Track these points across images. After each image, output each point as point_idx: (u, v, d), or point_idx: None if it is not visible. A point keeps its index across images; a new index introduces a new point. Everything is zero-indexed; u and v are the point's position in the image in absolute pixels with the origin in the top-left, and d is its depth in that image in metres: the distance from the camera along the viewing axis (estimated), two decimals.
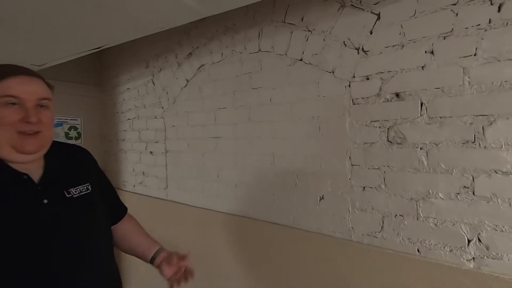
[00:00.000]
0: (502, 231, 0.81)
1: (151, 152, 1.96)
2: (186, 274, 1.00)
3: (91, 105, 2.40)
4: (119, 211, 1.06)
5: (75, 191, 0.85)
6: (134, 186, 2.10)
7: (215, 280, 1.53)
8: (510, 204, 0.80)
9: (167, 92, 1.81)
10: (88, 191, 0.88)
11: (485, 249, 0.84)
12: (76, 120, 2.30)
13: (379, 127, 1.01)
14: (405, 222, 0.96)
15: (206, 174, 1.59)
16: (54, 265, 0.75)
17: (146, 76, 1.97)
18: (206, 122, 1.58)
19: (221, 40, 1.47)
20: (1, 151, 0.74)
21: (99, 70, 2.45)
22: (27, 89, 0.75)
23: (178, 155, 1.77)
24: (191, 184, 1.68)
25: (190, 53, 1.64)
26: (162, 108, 1.85)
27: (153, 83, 1.92)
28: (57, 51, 1.62)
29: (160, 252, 1.01)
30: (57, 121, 2.18)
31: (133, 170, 2.12)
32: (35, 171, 0.80)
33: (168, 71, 1.80)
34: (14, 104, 0.74)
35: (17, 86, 0.74)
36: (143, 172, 2.03)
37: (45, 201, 0.78)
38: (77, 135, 2.32)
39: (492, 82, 0.81)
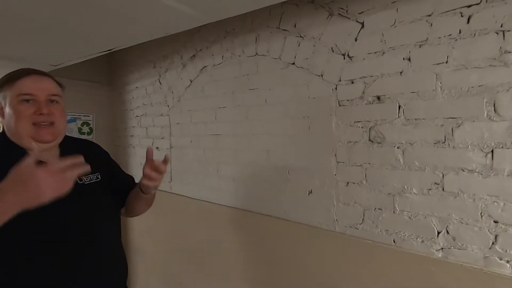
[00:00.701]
0: (467, 224, 0.89)
1: (157, 148, 2.08)
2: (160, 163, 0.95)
3: (102, 102, 2.54)
4: (132, 183, 1.16)
5: (86, 179, 0.97)
6: None
7: (214, 266, 1.65)
8: (474, 200, 0.87)
9: (172, 91, 1.93)
10: (98, 180, 0.99)
11: (452, 240, 0.91)
12: (89, 116, 2.45)
13: (361, 127, 1.09)
14: (383, 215, 1.05)
15: (207, 168, 1.70)
16: (71, 236, 0.87)
17: (153, 76, 2.09)
18: (208, 120, 1.68)
19: (221, 43, 1.57)
20: (22, 141, 0.87)
21: (110, 70, 2.58)
22: (38, 86, 0.87)
23: (181, 150, 1.88)
24: (193, 178, 1.80)
25: (194, 55, 1.75)
26: (168, 106, 1.97)
27: (160, 83, 2.03)
28: (72, 52, 1.75)
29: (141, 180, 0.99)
30: (71, 117, 2.33)
31: (141, 164, 2.25)
32: (52, 160, 0.92)
33: (173, 71, 1.91)
34: (28, 100, 0.85)
35: (29, 85, 0.86)
36: None
37: None
38: (89, 130, 2.46)
39: (461, 88, 0.89)
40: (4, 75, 0.91)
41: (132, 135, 2.35)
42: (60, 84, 0.95)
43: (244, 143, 1.50)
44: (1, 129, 0.95)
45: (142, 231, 2.22)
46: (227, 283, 1.58)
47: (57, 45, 1.61)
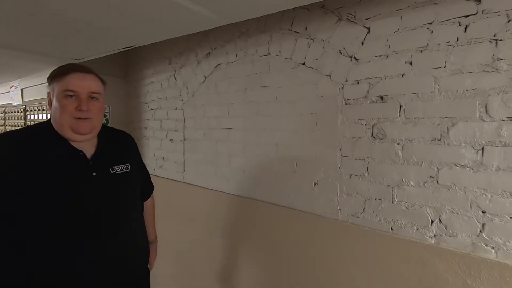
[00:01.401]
0: (457, 213, 0.98)
1: (170, 140, 2.20)
2: None
3: (118, 95, 2.66)
4: (148, 192, 1.30)
5: (118, 169, 1.07)
6: (154, 169, 2.36)
7: (223, 251, 1.77)
8: (465, 192, 0.97)
9: (187, 87, 2.04)
10: (128, 170, 1.10)
11: (444, 228, 1.01)
12: (106, 108, 2.57)
13: (365, 124, 1.19)
14: (383, 205, 1.15)
15: (219, 160, 1.81)
16: (102, 218, 0.98)
17: (168, 71, 2.20)
18: (220, 115, 1.79)
19: (236, 43, 1.67)
20: (64, 131, 0.97)
21: (126, 65, 2.69)
22: (81, 84, 0.97)
23: (194, 142, 1.99)
24: (205, 168, 1.91)
25: (209, 53, 1.85)
26: (182, 100, 2.08)
27: (175, 78, 2.14)
28: (95, 48, 1.86)
29: (151, 244, 1.28)
30: None
31: (154, 155, 2.37)
32: (89, 150, 1.03)
33: (188, 68, 2.01)
34: (71, 96, 0.96)
35: (74, 82, 0.97)
36: (163, 157, 2.28)
37: (94, 173, 1.00)
38: (105, 122, 2.58)
39: (457, 90, 0.98)
40: (46, 68, 1.03)
41: (146, 127, 2.47)
42: (102, 81, 1.06)
43: (254, 137, 1.60)
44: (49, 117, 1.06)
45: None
46: (236, 266, 1.70)
47: (81, 41, 1.72)
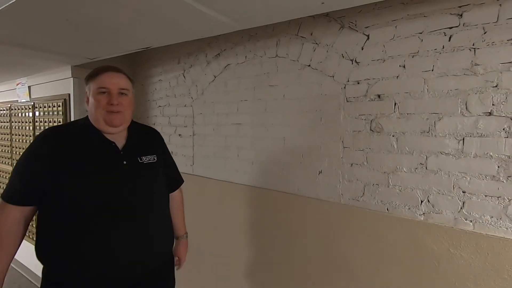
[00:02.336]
0: (442, 194, 1.17)
1: (179, 135, 2.34)
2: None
3: None
4: (175, 184, 1.43)
5: (145, 159, 1.21)
6: None
7: (233, 236, 1.93)
8: (449, 176, 1.15)
9: (196, 85, 2.18)
10: (154, 161, 1.24)
11: (431, 207, 1.20)
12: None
13: (364, 119, 1.36)
14: (379, 189, 1.33)
15: (228, 153, 1.96)
16: (130, 203, 1.11)
17: (177, 70, 2.33)
18: (230, 111, 1.94)
19: (245, 45, 1.82)
20: (99, 124, 1.12)
21: (134, 63, 2.80)
22: (112, 82, 1.12)
23: (204, 137, 2.14)
24: (215, 161, 2.06)
25: (218, 54, 2.00)
26: (191, 98, 2.22)
27: (184, 77, 2.28)
28: (111, 48, 1.97)
29: (181, 239, 1.47)
30: None
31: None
32: (120, 141, 1.17)
33: (198, 67, 2.15)
34: (104, 92, 1.10)
35: (106, 80, 1.11)
36: (172, 152, 2.41)
37: (124, 162, 1.14)
38: None
39: (442, 90, 1.16)
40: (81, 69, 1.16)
41: (154, 123, 2.60)
42: (130, 79, 1.20)
43: (263, 131, 1.76)
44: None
45: None
46: (244, 250, 1.86)
47: (98, 42, 1.82)
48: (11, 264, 1.08)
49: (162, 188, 1.30)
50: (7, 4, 1.19)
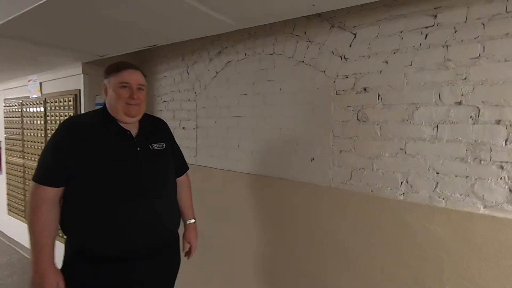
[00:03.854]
0: (419, 175, 1.31)
1: (184, 128, 2.49)
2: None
3: None
4: (181, 169, 1.57)
5: (156, 146, 1.36)
6: None
7: (234, 220, 2.08)
8: (425, 159, 1.30)
9: (199, 81, 2.32)
10: (163, 148, 1.38)
11: (410, 187, 1.34)
12: None
13: (352, 110, 1.50)
14: (365, 173, 1.47)
15: (229, 144, 2.11)
16: (143, 184, 1.25)
17: (181, 67, 2.48)
18: (231, 105, 2.09)
19: (245, 43, 1.97)
20: (117, 114, 1.26)
21: (140, 60, 2.95)
22: (132, 78, 1.27)
23: (207, 130, 2.29)
24: (217, 152, 2.21)
25: (220, 51, 2.14)
26: (195, 93, 2.37)
27: (188, 73, 2.43)
28: (120, 46, 2.12)
29: (190, 224, 1.58)
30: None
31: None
32: (134, 130, 1.32)
33: (201, 64, 2.30)
34: (125, 86, 1.25)
35: (128, 76, 1.26)
36: None
37: (138, 148, 1.29)
38: None
39: (419, 83, 1.30)
40: (106, 64, 1.31)
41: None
42: (145, 76, 1.34)
43: (261, 123, 1.91)
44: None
45: None
46: (246, 232, 2.01)
47: (109, 40, 1.97)
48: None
49: (170, 172, 1.44)
50: (33, 6, 1.34)
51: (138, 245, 1.24)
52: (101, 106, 1.32)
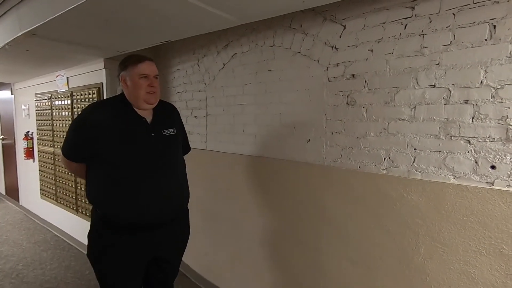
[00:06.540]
0: (399, 152, 1.47)
1: (195, 116, 2.72)
2: None
3: None
4: (185, 150, 1.76)
5: (168, 131, 1.56)
6: None
7: (240, 199, 2.30)
8: (404, 137, 1.45)
9: (208, 72, 2.53)
10: (174, 133, 1.58)
11: (391, 162, 1.50)
12: None
13: (342, 95, 1.67)
14: (353, 151, 1.64)
15: (235, 129, 2.32)
16: (157, 164, 1.46)
17: (192, 60, 2.70)
18: (236, 94, 2.29)
19: (248, 37, 2.15)
20: (137, 102, 1.47)
21: (155, 55, 3.19)
22: (150, 69, 1.48)
23: (215, 117, 2.50)
24: (225, 137, 2.42)
25: (227, 45, 2.34)
26: (205, 84, 2.58)
27: (198, 66, 2.64)
28: (138, 43, 2.36)
29: None
30: None
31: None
32: (148, 117, 1.53)
33: (210, 57, 2.51)
34: (144, 77, 1.46)
35: (146, 67, 1.46)
36: (189, 131, 2.78)
37: (153, 134, 1.50)
38: None
39: (399, 69, 1.45)
40: (123, 57, 1.52)
41: None
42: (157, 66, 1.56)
43: (263, 109, 2.10)
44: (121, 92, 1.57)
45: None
46: (250, 208, 2.23)
47: (129, 38, 2.21)
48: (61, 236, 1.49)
49: (179, 154, 1.65)
50: (66, 10, 1.58)
51: (153, 216, 1.44)
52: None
